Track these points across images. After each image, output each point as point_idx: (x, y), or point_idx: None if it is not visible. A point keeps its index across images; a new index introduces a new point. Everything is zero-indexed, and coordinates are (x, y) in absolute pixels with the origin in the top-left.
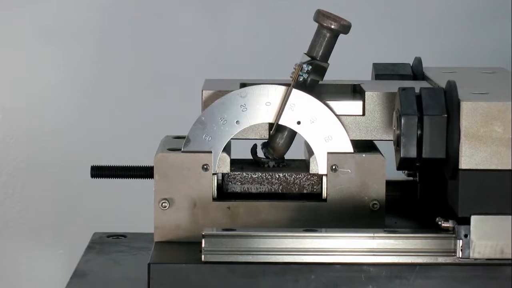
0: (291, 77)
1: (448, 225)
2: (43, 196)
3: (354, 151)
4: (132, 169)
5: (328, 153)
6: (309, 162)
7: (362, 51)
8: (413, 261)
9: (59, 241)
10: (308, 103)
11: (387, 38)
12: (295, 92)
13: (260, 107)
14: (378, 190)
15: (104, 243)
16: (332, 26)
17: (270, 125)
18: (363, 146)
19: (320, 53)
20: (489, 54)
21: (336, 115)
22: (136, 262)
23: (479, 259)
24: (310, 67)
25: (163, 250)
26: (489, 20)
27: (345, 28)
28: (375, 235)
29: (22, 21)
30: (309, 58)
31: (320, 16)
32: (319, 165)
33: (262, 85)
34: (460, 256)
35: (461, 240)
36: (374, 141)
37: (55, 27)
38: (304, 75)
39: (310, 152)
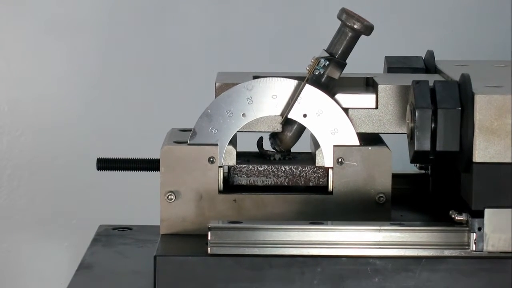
0: (307, 69)
1: (461, 218)
2: (49, 189)
3: (360, 144)
4: (138, 161)
5: (334, 146)
6: (315, 155)
7: (374, 44)
8: (419, 254)
9: (65, 233)
10: (315, 96)
11: (395, 32)
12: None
13: (266, 100)
14: (384, 183)
15: (110, 236)
16: (355, 26)
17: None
18: (369, 139)
19: (339, 51)
20: (495, 47)
21: (343, 108)
22: (142, 255)
23: (493, 252)
24: (328, 62)
25: (169, 243)
26: (494, 14)
27: (368, 29)
28: (381, 228)
29: (27, 15)
30: (327, 55)
31: (344, 14)
32: (325, 158)
33: (268, 78)
34: (474, 249)
35: (474, 233)
36: (386, 134)
37: (61, 19)
38: (320, 69)
39: (316, 145)
